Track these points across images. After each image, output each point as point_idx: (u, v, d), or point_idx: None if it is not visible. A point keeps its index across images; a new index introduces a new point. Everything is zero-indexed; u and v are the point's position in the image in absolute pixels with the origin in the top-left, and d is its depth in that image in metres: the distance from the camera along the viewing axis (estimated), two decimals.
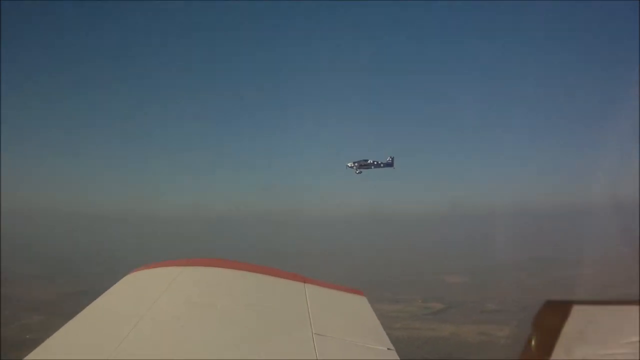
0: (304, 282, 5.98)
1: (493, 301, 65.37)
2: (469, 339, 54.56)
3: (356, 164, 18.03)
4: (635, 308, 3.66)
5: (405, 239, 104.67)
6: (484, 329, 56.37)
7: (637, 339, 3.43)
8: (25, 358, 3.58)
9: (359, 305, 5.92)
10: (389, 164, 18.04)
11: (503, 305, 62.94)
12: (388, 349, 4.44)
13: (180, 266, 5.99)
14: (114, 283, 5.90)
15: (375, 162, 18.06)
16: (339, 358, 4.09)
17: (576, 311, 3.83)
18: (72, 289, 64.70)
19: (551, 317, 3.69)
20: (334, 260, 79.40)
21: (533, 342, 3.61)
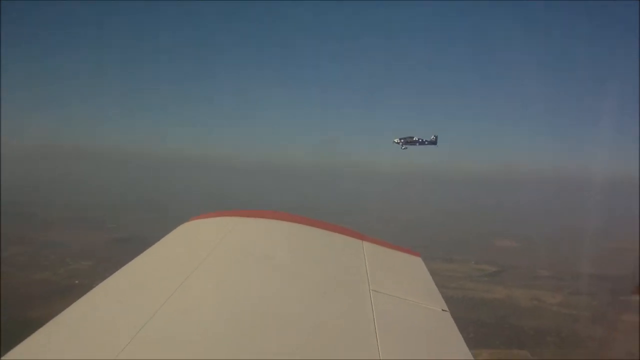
0: (362, 239, 5.80)
1: (544, 268, 64.36)
2: (522, 304, 53.45)
3: (402, 140, 18.78)
4: None
5: (456, 200, 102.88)
6: (537, 295, 55.41)
7: None
8: (75, 302, 3.55)
9: (416, 266, 5.82)
10: (433, 142, 18.75)
11: (554, 272, 62.36)
12: (443, 310, 4.45)
13: (236, 216, 5.87)
14: (164, 231, 5.74)
15: (420, 140, 18.80)
16: (395, 315, 4.05)
17: None
18: (122, 235, 65.97)
19: None
20: (388, 217, 78.93)
21: None
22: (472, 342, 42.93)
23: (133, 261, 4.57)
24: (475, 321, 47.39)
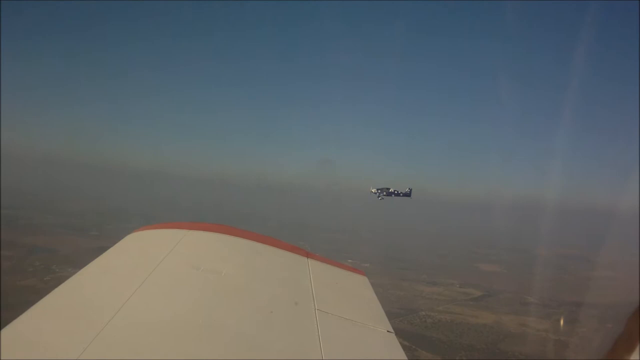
0: (307, 256, 5.80)
1: (529, 293, 64.55)
2: (511, 329, 53.54)
3: (379, 190, 19.69)
4: None
5: (439, 223, 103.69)
6: (524, 321, 55.57)
7: None
8: (19, 318, 3.39)
9: (361, 285, 5.75)
10: (407, 194, 19.73)
11: (539, 299, 62.43)
12: (388, 331, 4.42)
13: (185, 229, 5.76)
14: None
15: (396, 191, 19.71)
16: (341, 336, 4.06)
17: None
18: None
19: None
20: (369, 238, 79.18)
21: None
22: None
23: (79, 272, 4.45)
24: (467, 346, 47.70)
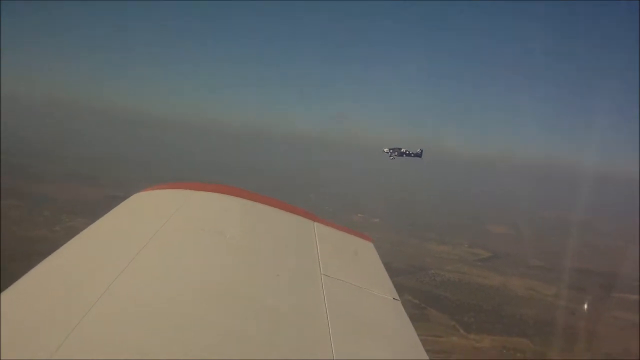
0: (314, 220, 5.70)
1: (537, 258, 64.64)
2: (518, 292, 53.93)
3: (391, 150, 20.12)
4: None
5: (451, 182, 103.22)
6: (532, 284, 55.91)
7: None
8: (18, 281, 3.21)
9: (367, 252, 5.72)
10: (418, 155, 20.09)
11: (547, 263, 62.85)
12: (394, 298, 4.44)
13: (190, 190, 5.63)
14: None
15: (407, 151, 20.10)
16: (347, 302, 4.02)
17: None
18: (116, 193, 64.52)
19: None
20: (378, 195, 78.87)
21: None
22: (473, 327, 43.51)
23: (81, 234, 4.32)
24: (474, 306, 47.97)
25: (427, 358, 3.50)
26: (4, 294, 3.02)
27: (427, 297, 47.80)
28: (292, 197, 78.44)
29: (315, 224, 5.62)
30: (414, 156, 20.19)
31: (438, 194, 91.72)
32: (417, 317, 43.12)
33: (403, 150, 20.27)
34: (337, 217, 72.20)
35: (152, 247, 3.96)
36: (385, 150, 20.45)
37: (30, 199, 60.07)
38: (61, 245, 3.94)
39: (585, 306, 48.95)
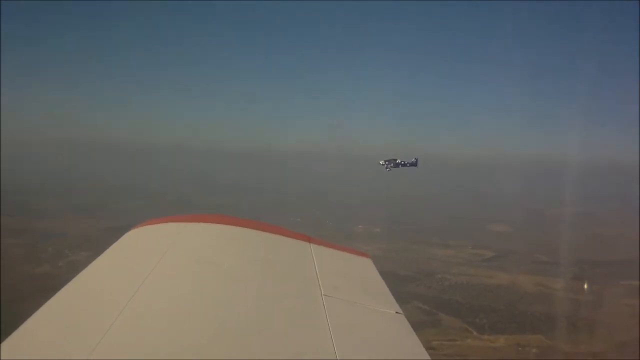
0: (309, 241, 5.73)
1: (541, 253, 64.85)
2: (528, 289, 53.89)
3: (387, 162, 20.46)
4: None
5: (445, 185, 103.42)
6: (540, 280, 55.84)
7: None
8: (21, 326, 3.28)
9: (366, 268, 5.73)
10: (414, 164, 20.47)
11: (552, 258, 62.15)
12: (397, 312, 4.42)
13: (183, 222, 5.74)
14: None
15: (403, 162, 20.47)
16: (350, 320, 4.02)
17: None
18: (114, 224, 64.38)
19: None
20: (376, 204, 78.97)
21: None
22: (486, 327, 43.45)
23: (82, 273, 4.40)
24: (485, 307, 47.94)
25: None
26: (6, 342, 3.07)
27: (436, 303, 47.71)
28: (292, 212, 78.64)
29: (312, 245, 5.66)
30: (409, 166, 20.51)
31: (435, 198, 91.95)
32: (429, 323, 43.11)
33: (398, 161, 20.58)
34: (338, 229, 72.32)
35: (150, 284, 3.98)
36: (381, 162, 20.69)
37: (30, 236, 59.85)
38: (66, 281, 4.07)
39: (595, 296, 49.34)
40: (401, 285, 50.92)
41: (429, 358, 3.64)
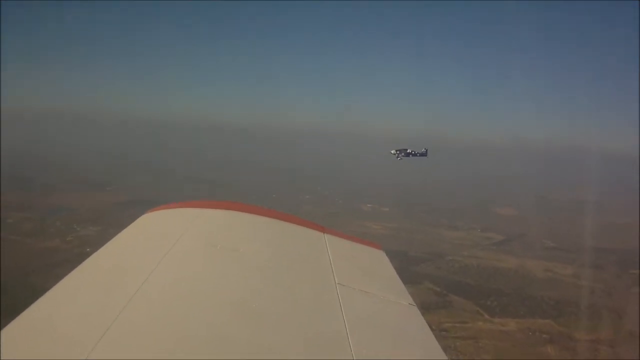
0: (323, 231, 5.75)
1: (550, 239, 65.30)
2: (537, 274, 53.88)
3: (398, 152, 21.58)
4: None
5: (455, 168, 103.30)
6: (549, 266, 56.02)
7: None
8: (28, 309, 3.22)
9: (379, 260, 5.74)
10: (424, 154, 21.72)
11: (560, 244, 63.43)
12: (410, 304, 4.44)
13: (197, 208, 5.70)
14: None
15: (413, 152, 21.64)
16: (364, 309, 4.03)
17: None
18: (124, 198, 64.49)
19: None
20: (386, 185, 78.96)
21: None
22: (497, 310, 43.59)
23: (92, 257, 4.34)
24: (495, 290, 48.00)
25: (446, 359, 3.50)
26: (17, 320, 3.09)
27: (447, 284, 47.78)
28: (303, 189, 78.62)
29: (326, 235, 5.71)
30: (419, 156, 21.72)
31: (444, 180, 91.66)
32: (441, 305, 43.20)
33: (409, 150, 21.67)
34: (347, 207, 72.46)
35: (166, 267, 4.00)
36: (392, 152, 21.86)
37: (40, 211, 59.89)
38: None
39: (604, 284, 49.37)
40: (412, 265, 51.07)
41: (441, 350, 3.65)
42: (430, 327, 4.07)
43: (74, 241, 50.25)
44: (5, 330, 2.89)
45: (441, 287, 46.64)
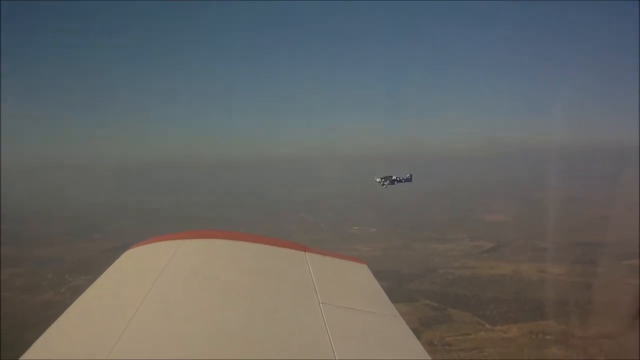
0: (304, 250, 5.84)
1: (538, 239, 63.91)
2: (531, 277, 53.99)
3: (383, 179, 21.66)
4: None
5: (436, 179, 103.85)
6: (541, 267, 55.78)
7: None
8: (24, 356, 3.37)
9: (362, 274, 5.85)
10: (409, 180, 21.72)
11: (550, 243, 61.02)
12: (393, 315, 4.55)
13: (177, 240, 5.78)
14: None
15: (398, 178, 21.63)
16: (349, 326, 4.12)
17: None
18: (111, 245, 63.82)
19: None
20: (370, 204, 78.99)
21: None
22: (497, 318, 43.61)
23: (82, 296, 4.47)
24: (493, 299, 48.09)
25: None
26: None
27: (444, 298, 47.84)
28: (286, 218, 78.40)
29: (307, 254, 5.72)
30: (404, 181, 21.66)
31: (427, 192, 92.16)
32: (440, 319, 43.22)
33: (394, 177, 21.69)
34: (334, 232, 72.27)
35: (150, 302, 4.02)
36: (378, 180, 21.87)
37: (29, 264, 59.41)
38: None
39: (598, 278, 49.59)
40: (405, 283, 51.04)
41: (429, 357, 3.72)
42: (433, 342, 4.18)
43: (67, 292, 49.51)
44: None
45: (438, 302, 46.64)
